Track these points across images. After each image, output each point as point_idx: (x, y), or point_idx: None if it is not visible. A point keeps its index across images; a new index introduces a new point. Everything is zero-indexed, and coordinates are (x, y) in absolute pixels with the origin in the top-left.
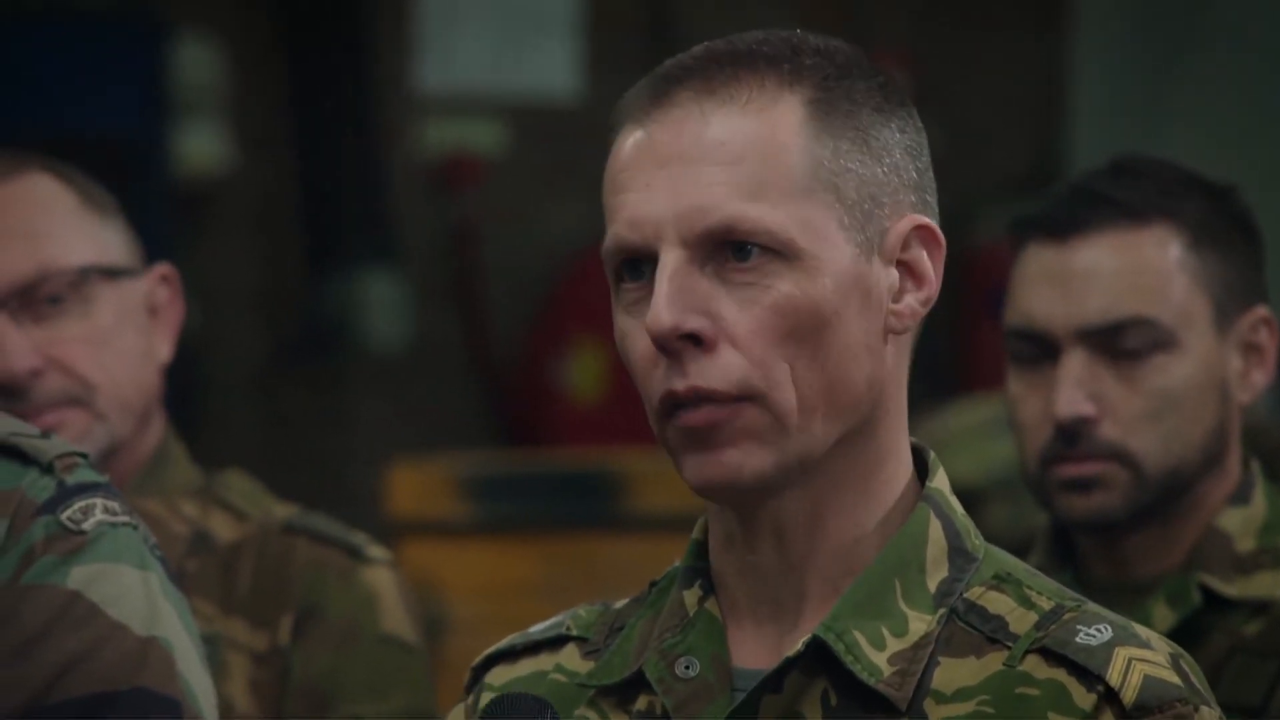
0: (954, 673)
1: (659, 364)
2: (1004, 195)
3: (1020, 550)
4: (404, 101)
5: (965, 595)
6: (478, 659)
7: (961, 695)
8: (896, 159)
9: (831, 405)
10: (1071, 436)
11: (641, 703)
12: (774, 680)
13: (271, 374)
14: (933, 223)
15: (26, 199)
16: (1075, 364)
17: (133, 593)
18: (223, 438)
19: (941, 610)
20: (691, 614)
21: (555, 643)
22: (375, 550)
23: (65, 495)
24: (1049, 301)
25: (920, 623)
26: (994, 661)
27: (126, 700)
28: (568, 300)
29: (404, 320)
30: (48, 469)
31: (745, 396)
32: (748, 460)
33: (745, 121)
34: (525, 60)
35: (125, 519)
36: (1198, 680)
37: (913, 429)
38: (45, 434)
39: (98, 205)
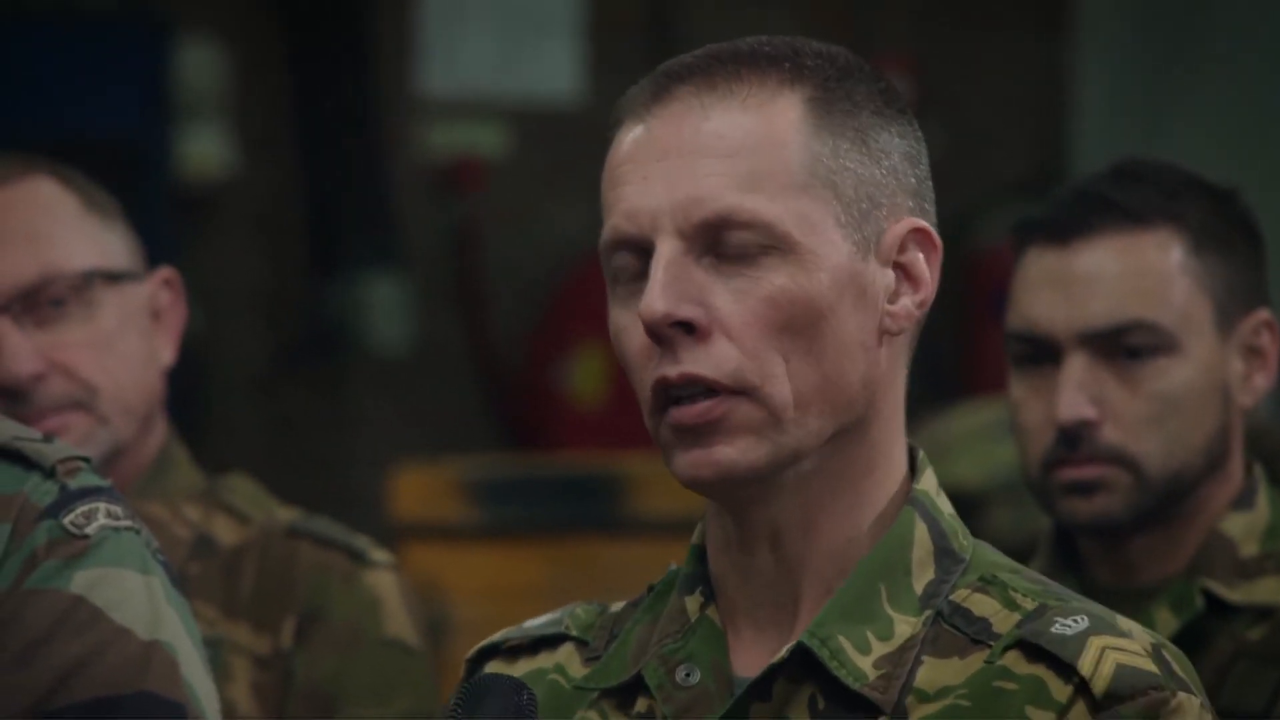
0: (937, 672)
1: (653, 356)
2: (1006, 198)
3: (1023, 554)
4: (406, 104)
5: (950, 598)
6: (471, 651)
7: (943, 694)
8: (895, 162)
9: (826, 401)
10: (1073, 440)
11: (641, 705)
12: (761, 687)
13: (274, 376)
14: (930, 227)
15: (29, 202)
16: (1077, 367)
17: (136, 597)
18: (225, 441)
19: (927, 612)
20: (693, 620)
21: (553, 640)
22: (378, 553)
23: (68, 500)
24: (1051, 305)
25: (906, 625)
26: (977, 661)
27: (131, 704)
28: (571, 303)
29: (407, 323)
30: (50, 473)
31: (738, 389)
32: (740, 455)
33: (744, 116)
34: (528, 63)
35: (128, 523)
36: (1181, 669)
37: (915, 432)
38: (47, 438)
39: (100, 208)
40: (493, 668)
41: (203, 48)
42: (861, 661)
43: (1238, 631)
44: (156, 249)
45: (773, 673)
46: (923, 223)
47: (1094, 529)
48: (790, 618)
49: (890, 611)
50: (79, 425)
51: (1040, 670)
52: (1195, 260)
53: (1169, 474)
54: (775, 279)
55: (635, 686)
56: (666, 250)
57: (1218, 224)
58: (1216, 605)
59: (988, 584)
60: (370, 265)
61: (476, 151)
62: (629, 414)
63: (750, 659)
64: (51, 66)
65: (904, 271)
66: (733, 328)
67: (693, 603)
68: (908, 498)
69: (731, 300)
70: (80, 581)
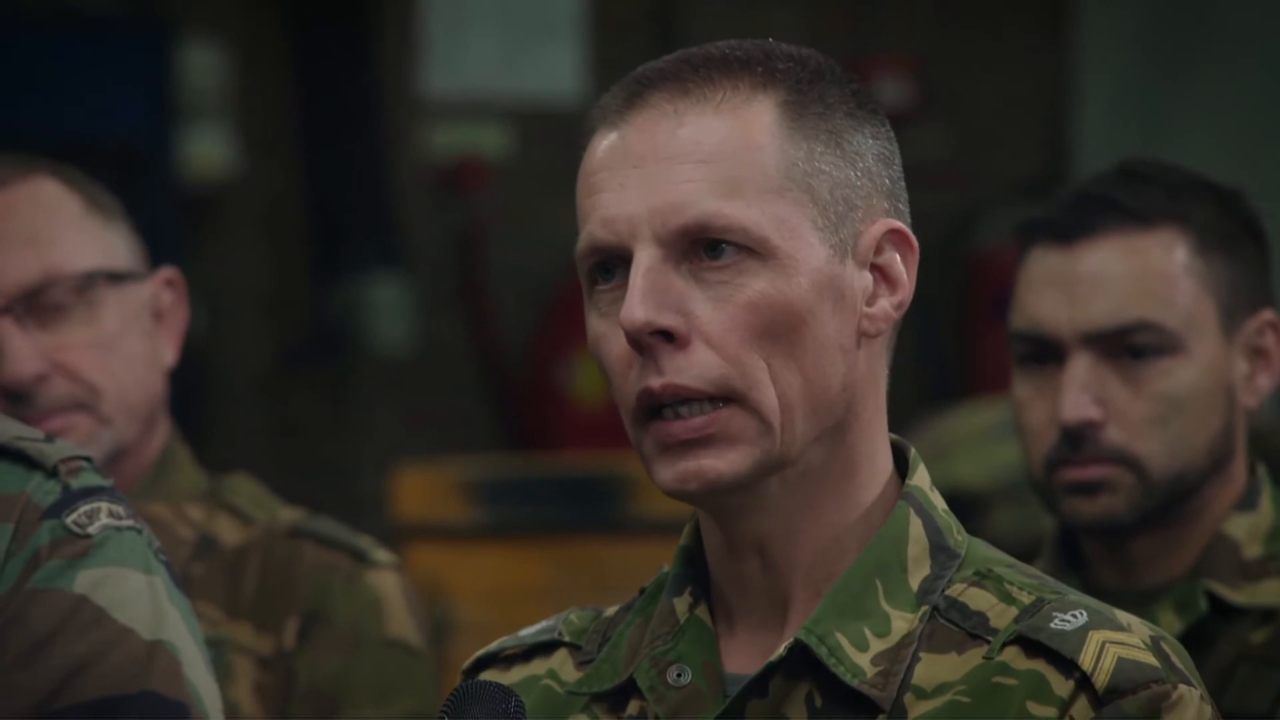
0: (935, 668)
1: (634, 365)
2: (1010, 199)
3: (1026, 556)
4: (410, 105)
5: (947, 592)
6: (468, 662)
7: (941, 690)
8: (870, 164)
9: (809, 406)
10: (1077, 440)
11: (633, 707)
12: (758, 684)
13: (277, 378)
14: (906, 227)
15: (32, 204)
16: (1081, 368)
17: (139, 597)
18: (228, 442)
19: (924, 608)
20: (682, 621)
21: (548, 647)
22: (381, 554)
23: (70, 499)
24: (1055, 305)
25: (902, 621)
26: (975, 656)
27: (134, 704)
28: (574, 304)
29: (410, 324)
30: (52, 473)
31: (724, 397)
32: (727, 467)
33: (719, 121)
34: (530, 64)
35: (130, 523)
36: (1180, 661)
37: (916, 433)
38: (50, 438)
39: (103, 210)
40: (488, 676)
41: (206, 49)
42: (859, 658)
43: (1242, 634)
44: (159, 250)
45: (770, 670)
46: (899, 224)
47: (1097, 529)
48: (780, 619)
49: (887, 608)
50: (82, 426)
51: (1040, 665)
52: (1200, 261)
53: (1172, 475)
54: (755, 284)
55: (628, 689)
56: (645, 258)
57: (1222, 224)
58: (1220, 607)
59: (983, 578)
60: (373, 266)
61: (479, 153)
62: None
63: (745, 658)
64: (55, 69)
65: (881, 273)
66: (713, 335)
67: (681, 604)
68: (901, 494)
69: (711, 307)
70: (83, 581)
